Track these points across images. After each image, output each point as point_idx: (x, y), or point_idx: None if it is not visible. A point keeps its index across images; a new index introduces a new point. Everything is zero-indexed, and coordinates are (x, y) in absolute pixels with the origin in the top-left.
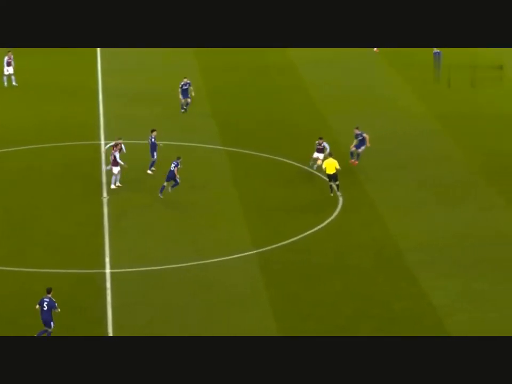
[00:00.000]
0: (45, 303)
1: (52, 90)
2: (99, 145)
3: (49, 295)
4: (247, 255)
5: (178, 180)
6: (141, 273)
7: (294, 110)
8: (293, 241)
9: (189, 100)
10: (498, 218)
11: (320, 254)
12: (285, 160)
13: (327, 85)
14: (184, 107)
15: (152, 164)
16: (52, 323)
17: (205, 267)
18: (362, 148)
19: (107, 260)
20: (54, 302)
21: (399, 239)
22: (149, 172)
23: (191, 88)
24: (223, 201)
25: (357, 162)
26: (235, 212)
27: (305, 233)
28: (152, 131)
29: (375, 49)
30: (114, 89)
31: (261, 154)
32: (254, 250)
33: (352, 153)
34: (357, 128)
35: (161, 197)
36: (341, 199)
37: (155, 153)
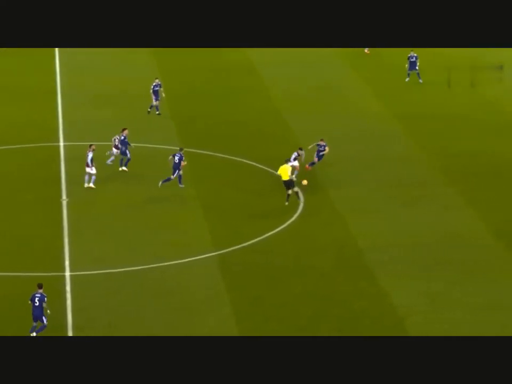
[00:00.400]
0: (36, 298)
1: (8, 92)
2: (58, 147)
3: (40, 291)
4: (208, 257)
5: (175, 175)
6: (101, 276)
7: (253, 110)
8: (253, 243)
9: (158, 102)
10: (457, 218)
11: (280, 255)
12: (245, 161)
13: (287, 85)
14: (150, 109)
15: (127, 162)
16: (44, 318)
17: (165, 269)
18: (320, 160)
19: (67, 263)
20: (45, 297)
21: (359, 239)
22: (124, 168)
23: (161, 89)
24: (182, 203)
25: (310, 167)
26: (195, 214)
27: (266, 235)
28: (123, 130)
29: (366, 50)
30: (73, 90)
31: (221, 155)
32: (215, 252)
33: (314, 163)
34: (322, 140)
35: (182, 186)
36: (301, 204)
37: (127, 151)
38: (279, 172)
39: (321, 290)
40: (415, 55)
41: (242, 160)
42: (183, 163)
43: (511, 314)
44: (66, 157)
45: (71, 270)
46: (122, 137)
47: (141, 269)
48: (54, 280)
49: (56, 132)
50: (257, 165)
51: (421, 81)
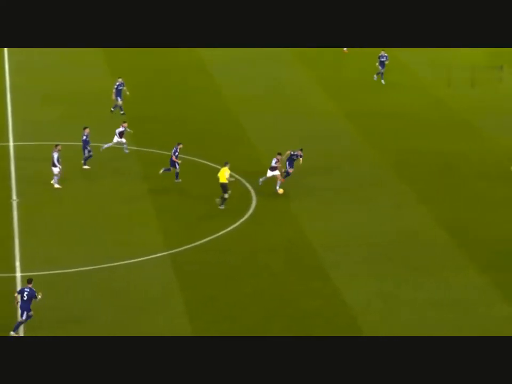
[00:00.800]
0: (25, 293)
1: None
2: (7, 146)
3: (30, 285)
4: (160, 256)
5: (175, 166)
6: (52, 277)
7: (204, 109)
8: (205, 242)
9: (121, 101)
10: (410, 216)
11: (233, 254)
12: (196, 159)
13: (238, 84)
14: (113, 109)
15: (86, 160)
16: (27, 312)
17: (117, 269)
18: (293, 169)
19: (17, 263)
20: (34, 291)
21: (312, 239)
22: (86, 167)
23: (125, 88)
24: (134, 203)
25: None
26: (147, 213)
27: (218, 234)
28: (85, 128)
29: (344, 49)
30: (22, 89)
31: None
32: (167, 251)
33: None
34: (301, 150)
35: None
36: (253, 203)
37: (86, 150)
38: (218, 174)
39: (274, 289)
40: (386, 55)
41: (194, 159)
42: (174, 158)
43: (464, 311)
44: (16, 156)
45: (21, 271)
46: (84, 137)
47: (92, 269)
48: (4, 281)
49: (5, 132)
50: (208, 163)
51: (383, 82)
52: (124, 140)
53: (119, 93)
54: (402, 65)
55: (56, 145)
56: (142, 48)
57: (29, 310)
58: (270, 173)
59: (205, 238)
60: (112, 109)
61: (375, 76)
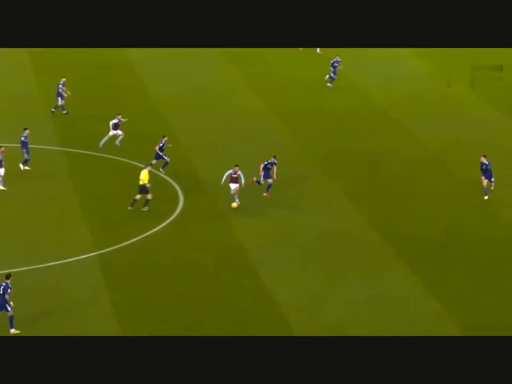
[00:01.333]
0: (2, 287)
1: None
2: None
3: (8, 281)
4: (88, 257)
5: (167, 159)
6: None
7: (133, 109)
8: (134, 242)
9: (63, 101)
10: (338, 213)
11: (162, 254)
12: (123, 159)
13: (165, 84)
14: (54, 109)
15: (25, 161)
16: (8, 306)
17: (45, 270)
18: (270, 180)
19: None
20: (9, 287)
21: (242, 237)
22: (26, 168)
23: (65, 88)
24: (62, 203)
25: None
26: (75, 214)
27: (147, 234)
28: (24, 129)
29: (318, 50)
30: None
31: (100, 154)
32: (95, 252)
33: (259, 182)
34: (274, 157)
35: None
36: (181, 202)
37: (24, 151)
38: (140, 176)
39: (204, 289)
40: (339, 60)
41: (121, 159)
42: (157, 148)
43: (395, 308)
44: None
45: None
46: (23, 138)
47: (20, 270)
48: None
49: None
50: (135, 163)
51: (329, 85)
52: (119, 132)
53: (60, 93)
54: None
55: (0, 147)
56: (70, 48)
57: (5, 303)
58: (233, 186)
59: (133, 238)
60: (52, 110)
61: (327, 77)
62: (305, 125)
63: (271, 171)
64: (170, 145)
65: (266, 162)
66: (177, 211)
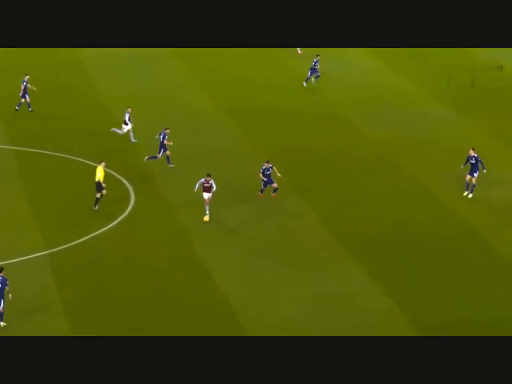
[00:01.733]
0: None
1: None
2: None
3: (1, 274)
4: (38, 256)
5: (161, 154)
6: None
7: (82, 107)
8: (84, 241)
9: (28, 99)
10: (287, 209)
11: (114, 253)
12: (72, 157)
13: (114, 83)
14: (17, 107)
15: None
16: (2, 300)
17: None
18: (275, 184)
19: None
20: (6, 280)
21: (193, 235)
22: None
23: (29, 86)
24: (11, 202)
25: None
26: (24, 212)
27: (97, 233)
28: None
29: (298, 50)
30: None
31: (49, 152)
32: (46, 251)
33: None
34: (267, 162)
35: (170, 165)
36: (132, 201)
37: None
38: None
39: (155, 287)
40: (317, 60)
41: (70, 157)
42: (166, 142)
43: (346, 304)
44: None
45: None
46: None
47: None
48: None
49: None
50: (85, 161)
51: (305, 84)
52: (130, 126)
53: (26, 90)
54: (280, 62)
55: None
56: (18, 48)
57: (1, 297)
58: (205, 195)
59: (83, 237)
60: (16, 107)
61: (313, 80)
62: (254, 122)
63: (272, 175)
64: (171, 143)
65: (262, 169)
66: (128, 210)
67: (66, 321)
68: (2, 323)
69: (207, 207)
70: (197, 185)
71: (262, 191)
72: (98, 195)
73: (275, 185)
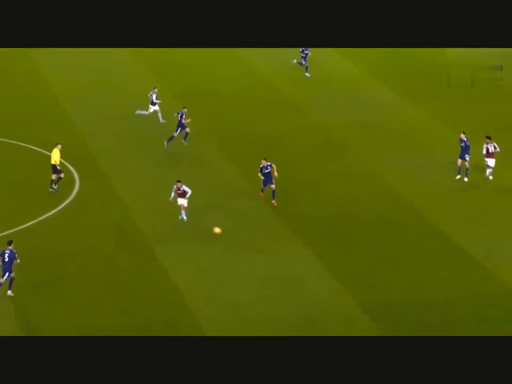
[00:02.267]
0: (6, 254)
1: None
2: None
3: (10, 247)
4: None
5: (178, 132)
6: None
7: (28, 93)
8: (29, 226)
9: None
10: (235, 194)
11: (58, 238)
12: (21, 143)
13: (61, 71)
14: None
15: None
16: (10, 273)
17: None
18: (273, 185)
19: None
20: (15, 253)
21: (139, 220)
22: None
23: None
24: None
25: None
26: None
27: (42, 217)
28: None
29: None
30: None
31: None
32: None
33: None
34: (265, 159)
35: (185, 143)
36: (77, 185)
37: None
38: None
39: (103, 271)
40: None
41: (19, 143)
42: (184, 120)
43: (293, 287)
44: None
45: None
46: None
47: None
48: None
49: None
50: (33, 147)
51: (307, 74)
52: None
53: None
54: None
55: None
56: None
57: (10, 271)
58: (180, 201)
59: (28, 222)
60: None
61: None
62: (201, 106)
63: (271, 174)
64: (189, 120)
65: (260, 168)
66: (73, 195)
67: (12, 307)
68: (9, 291)
69: (183, 212)
70: (172, 193)
71: (262, 191)
72: (53, 176)
73: (273, 186)
